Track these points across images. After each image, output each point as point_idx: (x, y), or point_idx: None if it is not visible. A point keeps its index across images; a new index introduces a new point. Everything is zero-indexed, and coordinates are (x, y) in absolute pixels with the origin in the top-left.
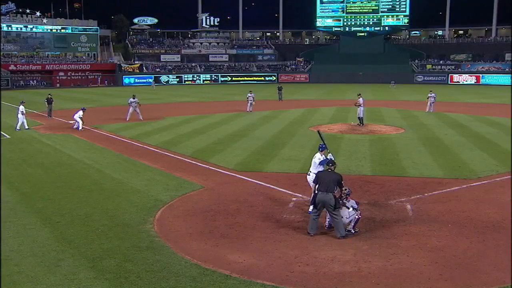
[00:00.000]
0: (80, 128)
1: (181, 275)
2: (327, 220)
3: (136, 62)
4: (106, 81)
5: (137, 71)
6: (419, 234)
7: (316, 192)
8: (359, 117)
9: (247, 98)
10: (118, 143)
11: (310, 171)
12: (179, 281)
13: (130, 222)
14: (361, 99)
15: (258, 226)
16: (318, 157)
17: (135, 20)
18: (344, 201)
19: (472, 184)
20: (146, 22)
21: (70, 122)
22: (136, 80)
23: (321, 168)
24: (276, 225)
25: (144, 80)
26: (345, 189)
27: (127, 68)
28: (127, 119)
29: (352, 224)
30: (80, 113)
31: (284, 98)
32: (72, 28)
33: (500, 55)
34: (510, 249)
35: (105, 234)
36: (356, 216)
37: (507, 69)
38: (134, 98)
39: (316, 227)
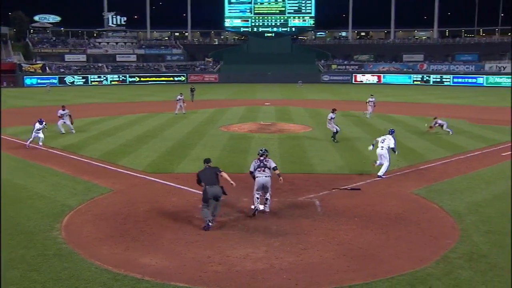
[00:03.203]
0: (40, 143)
1: (91, 282)
2: (257, 204)
3: (38, 62)
4: (5, 82)
5: (40, 71)
6: (328, 228)
7: (204, 188)
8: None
9: (177, 100)
10: (19, 147)
11: (384, 140)
12: (89, 287)
13: (35, 229)
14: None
15: (169, 228)
16: (392, 140)
17: (36, 18)
18: (264, 162)
19: (376, 179)
20: (48, 20)
21: None
22: (39, 81)
23: (392, 144)
24: (188, 226)
25: (48, 81)
26: (261, 150)
27: (29, 68)
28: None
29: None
30: (38, 125)
31: (194, 99)
32: None
33: (398, 56)
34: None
35: (7, 243)
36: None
37: (404, 70)
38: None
39: (212, 215)
